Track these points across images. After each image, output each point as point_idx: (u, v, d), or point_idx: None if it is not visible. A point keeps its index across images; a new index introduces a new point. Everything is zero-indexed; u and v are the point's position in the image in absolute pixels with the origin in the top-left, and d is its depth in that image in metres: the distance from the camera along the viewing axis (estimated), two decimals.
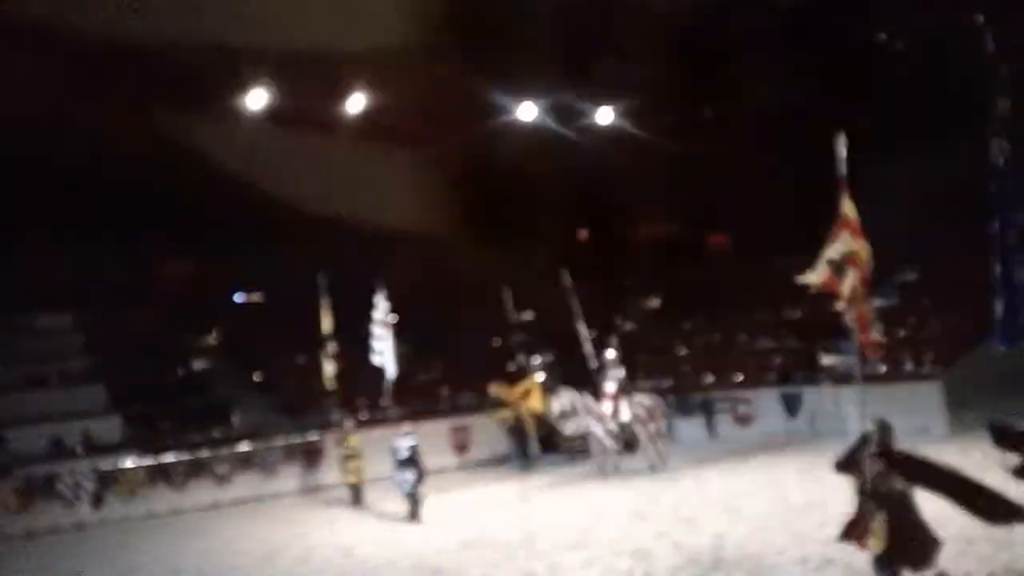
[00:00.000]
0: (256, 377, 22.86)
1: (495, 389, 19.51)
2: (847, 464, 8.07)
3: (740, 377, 20.98)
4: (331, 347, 18.40)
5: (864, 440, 8.02)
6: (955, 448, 15.56)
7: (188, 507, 17.87)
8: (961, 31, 20.07)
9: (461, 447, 20.58)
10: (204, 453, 18.71)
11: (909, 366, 19.11)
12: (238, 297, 26.80)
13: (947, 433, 17.08)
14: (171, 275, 25.63)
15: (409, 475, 14.79)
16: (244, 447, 19.11)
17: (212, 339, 24.18)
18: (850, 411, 17.88)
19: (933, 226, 22.64)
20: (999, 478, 11.70)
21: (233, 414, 20.88)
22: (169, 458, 18.37)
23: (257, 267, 24.72)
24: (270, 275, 24.64)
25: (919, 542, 7.70)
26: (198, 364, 23.21)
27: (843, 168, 9.41)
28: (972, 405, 17.14)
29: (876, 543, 7.70)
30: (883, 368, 19.37)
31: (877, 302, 21.12)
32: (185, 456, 18.49)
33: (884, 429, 8.01)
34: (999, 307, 7.79)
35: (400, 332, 17.31)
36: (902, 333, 20.48)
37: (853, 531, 7.93)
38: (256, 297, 26.79)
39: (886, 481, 7.71)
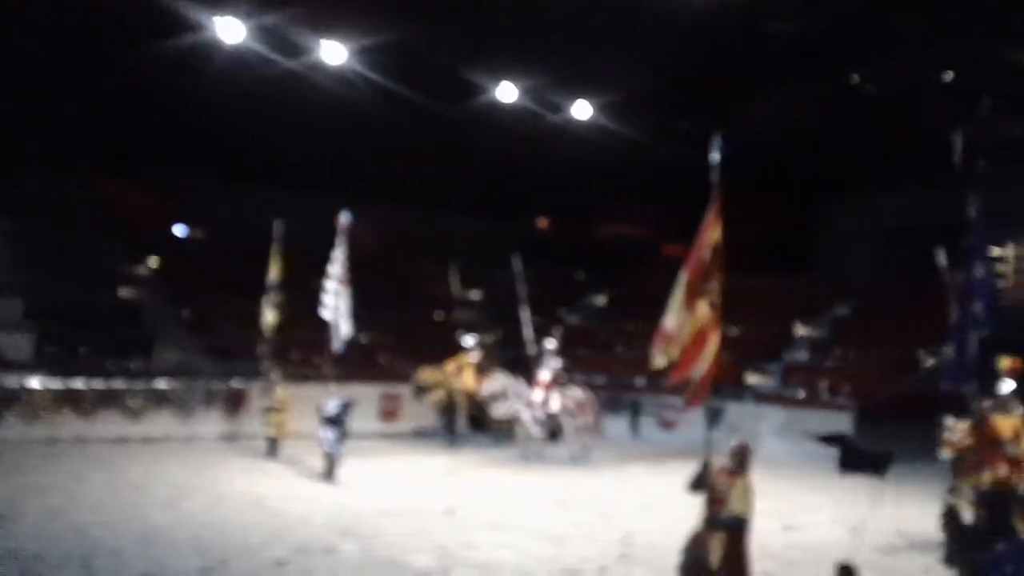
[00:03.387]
0: (186, 315, 22.34)
1: (421, 375, 19.31)
2: (698, 484, 8.25)
3: (670, 384, 21.22)
4: (275, 296, 18.07)
5: (708, 463, 8.19)
6: (854, 477, 16.00)
7: (94, 437, 17.29)
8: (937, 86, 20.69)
9: (390, 415, 20.44)
10: (119, 384, 18.18)
11: (826, 395, 19.56)
12: (180, 230, 26.20)
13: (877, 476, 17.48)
14: (113, 198, 24.94)
15: (331, 434, 14.63)
16: (162, 384, 18.69)
17: (146, 269, 23.55)
18: (764, 428, 18.45)
19: (879, 266, 23.29)
20: (893, 508, 12.14)
21: (156, 349, 20.38)
22: (80, 384, 17.78)
23: (207, 203, 24.26)
24: (220, 213, 24.18)
25: (740, 571, 7.92)
26: (127, 293, 22.59)
27: (716, 176, 8.55)
28: (879, 439, 17.64)
29: (715, 558, 7.90)
30: (801, 394, 19.93)
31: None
32: (98, 384, 17.94)
33: (742, 450, 8.20)
34: (951, 350, 7.98)
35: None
36: (825, 363, 21.01)
37: (697, 545, 8.12)
38: (200, 233, 26.23)
39: (732, 502, 7.89)
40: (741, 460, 8.18)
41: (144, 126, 21.79)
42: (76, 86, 20.72)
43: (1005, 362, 9.96)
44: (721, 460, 8.26)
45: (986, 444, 10.10)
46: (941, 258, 12.59)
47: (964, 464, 11.22)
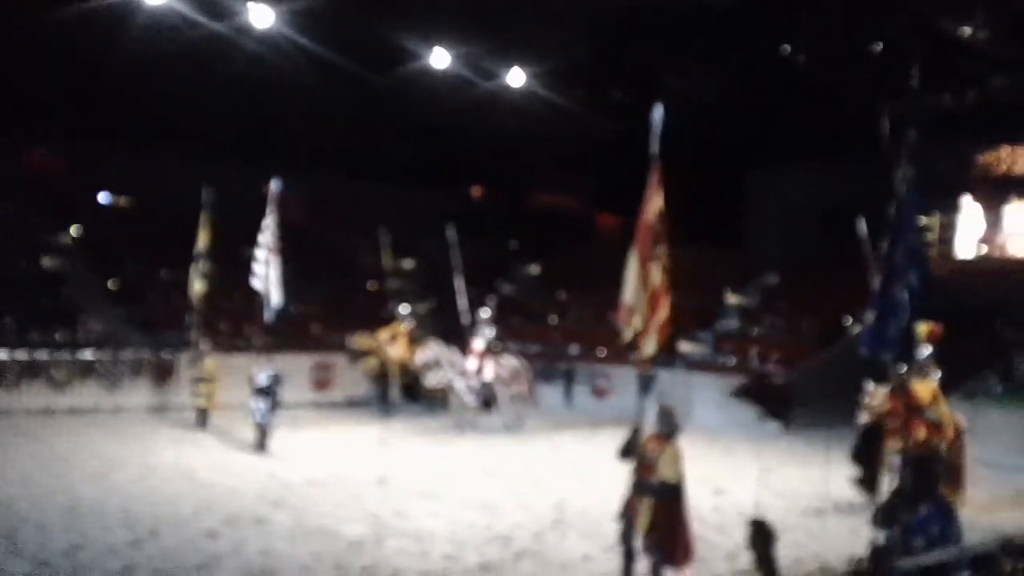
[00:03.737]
0: (112, 285, 21.80)
1: (356, 340, 19.23)
2: (627, 451, 8.43)
3: (603, 352, 21.49)
4: (204, 265, 17.73)
5: (637, 430, 8.38)
6: (783, 442, 16.54)
7: (19, 409, 16.99)
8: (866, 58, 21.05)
9: (322, 385, 20.29)
10: (43, 356, 17.75)
11: (756, 362, 19.97)
12: (104, 197, 25.48)
13: (781, 427, 17.99)
14: (33, 166, 24.12)
15: (263, 404, 14.50)
16: (88, 355, 18.26)
17: (69, 238, 22.89)
18: (696, 396, 18.85)
19: (806, 236, 23.80)
20: (821, 472, 12.54)
21: (81, 319, 19.87)
22: (3, 355, 17.38)
23: (131, 171, 23.62)
24: (146, 181, 23.57)
25: (671, 537, 8.11)
26: (50, 262, 21.93)
27: (655, 147, 8.55)
28: (808, 404, 18.17)
29: (643, 524, 8.12)
30: (733, 361, 20.34)
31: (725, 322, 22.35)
32: (22, 356, 17.49)
33: (668, 414, 8.40)
34: (871, 317, 8.17)
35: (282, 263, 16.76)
36: (755, 331, 21.48)
37: (629, 511, 8.31)
38: (124, 201, 25.54)
39: (661, 468, 8.08)
40: (668, 424, 8.35)
41: (64, 91, 21.04)
42: None
43: (923, 328, 10.29)
44: (651, 427, 8.42)
45: (905, 409, 10.42)
46: (862, 228, 12.96)
47: (884, 429, 11.62)
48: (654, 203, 8.56)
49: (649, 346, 8.49)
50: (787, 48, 21.77)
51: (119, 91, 21.10)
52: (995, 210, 22.19)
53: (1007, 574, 6.08)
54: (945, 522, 7.96)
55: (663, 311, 8.50)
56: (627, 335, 8.67)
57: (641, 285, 8.56)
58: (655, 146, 8.54)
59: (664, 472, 8.12)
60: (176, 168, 22.28)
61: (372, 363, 19.08)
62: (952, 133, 19.93)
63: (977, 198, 22.32)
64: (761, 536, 5.41)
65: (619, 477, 8.64)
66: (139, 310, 20.98)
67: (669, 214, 8.63)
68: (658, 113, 8.61)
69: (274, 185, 15.85)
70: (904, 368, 10.36)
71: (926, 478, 8.45)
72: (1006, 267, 21.03)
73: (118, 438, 15.24)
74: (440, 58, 21.24)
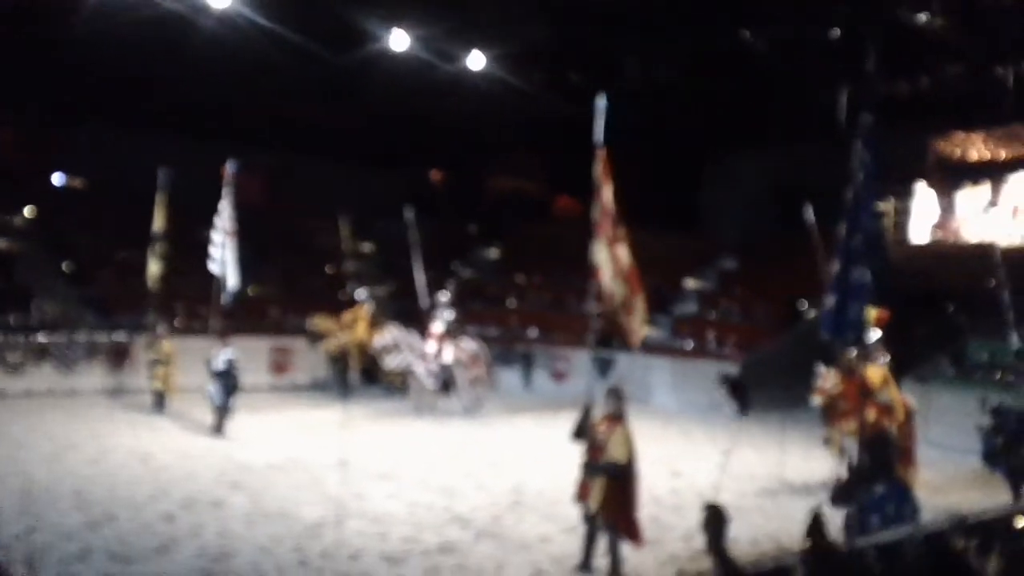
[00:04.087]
0: (67, 267, 21.47)
1: (316, 321, 19.18)
2: (579, 432, 8.59)
3: (561, 336, 21.63)
4: (160, 247, 17.52)
5: (588, 411, 8.55)
6: (739, 425, 16.78)
7: None
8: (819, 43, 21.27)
9: (280, 368, 20.19)
10: None
11: (714, 346, 20.22)
12: (58, 178, 25.03)
13: (738, 412, 18.27)
14: None
15: (220, 387, 14.42)
16: (42, 338, 18.01)
17: (22, 220, 22.47)
18: (654, 379, 19.07)
19: (762, 220, 24.07)
20: (776, 454, 12.76)
21: (35, 302, 19.56)
22: None
23: (85, 151, 23.21)
24: (100, 161, 23.17)
25: (623, 514, 8.37)
26: (3, 244, 21.54)
27: (600, 135, 8.77)
28: (763, 388, 18.47)
29: (594, 502, 8.34)
30: (691, 345, 20.56)
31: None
32: None
33: (616, 395, 8.57)
34: (831, 301, 8.33)
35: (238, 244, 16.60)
36: (713, 315, 21.75)
37: (582, 492, 8.52)
38: (79, 182, 25.11)
39: (611, 449, 8.27)
40: (617, 404, 8.49)
41: (18, 69, 20.55)
42: None
43: (871, 313, 10.52)
44: (601, 409, 8.55)
45: (856, 392, 10.65)
46: (809, 214, 13.22)
47: (835, 411, 11.88)
48: (606, 190, 8.70)
49: (637, 322, 8.72)
50: (746, 33, 21.91)
51: (75, 69, 20.66)
52: (948, 196, 22.60)
53: (959, 551, 6.25)
54: (901, 501, 8.16)
55: (639, 288, 8.76)
56: (637, 325, 8.78)
57: (614, 269, 8.73)
58: (599, 134, 8.68)
59: (614, 453, 8.28)
60: (132, 148, 21.88)
61: (332, 344, 19.04)
62: (907, 119, 20.26)
63: (931, 184, 22.72)
64: (714, 519, 5.55)
65: (577, 459, 8.76)
66: (94, 292, 20.69)
67: (624, 198, 8.80)
68: (601, 102, 8.80)
69: (230, 167, 15.70)
70: (854, 352, 10.59)
71: (881, 458, 8.65)
72: (959, 252, 21.44)
73: (73, 421, 15.06)
74: (399, 40, 21.09)
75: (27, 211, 22.55)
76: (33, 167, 23.61)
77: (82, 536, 8.94)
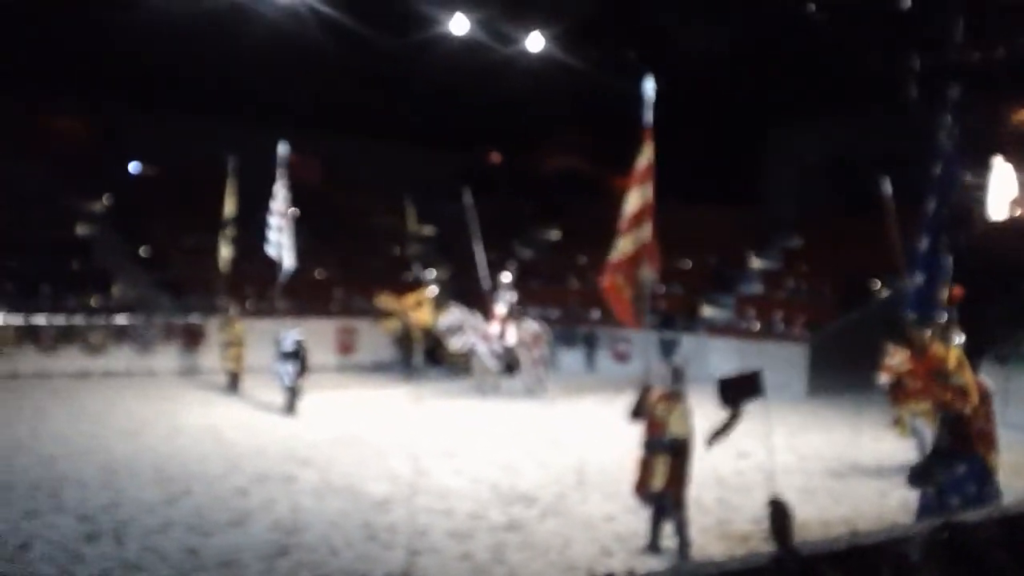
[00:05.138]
0: (143, 251, 22.16)
1: (382, 299, 19.48)
2: (638, 411, 8.57)
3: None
4: (231, 231, 17.99)
5: (647, 389, 8.51)
6: (808, 407, 16.62)
7: (56, 372, 17.51)
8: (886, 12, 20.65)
9: (346, 348, 20.58)
10: (79, 320, 18.18)
11: (780, 326, 19.95)
12: (134, 167, 25.78)
13: (805, 392, 18.09)
14: (67, 132, 24.42)
15: (291, 368, 14.76)
16: (121, 319, 18.65)
17: (101, 206, 23.24)
18: (716, 360, 18.88)
19: (824, 193, 23.58)
20: (846, 435, 12.54)
21: (113, 285, 20.26)
22: (41, 320, 17.81)
23: (157, 139, 23.82)
24: (171, 148, 23.77)
25: (681, 487, 8.38)
26: (83, 229, 22.33)
27: (650, 116, 9.01)
28: (833, 369, 18.19)
29: (658, 480, 8.32)
30: (757, 326, 20.31)
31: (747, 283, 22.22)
32: (59, 320, 17.93)
33: (675, 372, 8.53)
34: (919, 278, 8.15)
35: (299, 227, 16.98)
36: (779, 295, 21.40)
37: (643, 469, 8.49)
38: (153, 170, 25.82)
39: (672, 425, 8.29)
40: (676, 382, 8.49)
41: (89, 61, 21.15)
42: (23, 21, 20.03)
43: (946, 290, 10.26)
44: (659, 386, 8.55)
45: (926, 372, 10.41)
46: (886, 187, 12.83)
47: (902, 389, 11.62)
48: (645, 173, 8.78)
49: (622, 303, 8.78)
50: (811, 5, 21.37)
51: (143, 60, 21.16)
52: None
53: None
54: (982, 483, 7.95)
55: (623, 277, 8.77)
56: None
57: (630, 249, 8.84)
58: (649, 116, 8.67)
59: (675, 429, 8.29)
60: (198, 135, 22.43)
61: (394, 324, 19.32)
62: (981, 90, 19.58)
63: (1008, 158, 22.00)
64: (779, 515, 5.46)
65: (638, 439, 8.77)
66: (168, 275, 21.34)
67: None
68: (649, 84, 8.75)
69: (282, 149, 16.01)
70: (927, 331, 10.34)
71: (961, 437, 8.41)
72: None
73: (150, 399, 15.63)
74: (459, 23, 21.17)
75: (104, 198, 23.31)
76: (110, 156, 24.32)
77: (161, 510, 9.29)
